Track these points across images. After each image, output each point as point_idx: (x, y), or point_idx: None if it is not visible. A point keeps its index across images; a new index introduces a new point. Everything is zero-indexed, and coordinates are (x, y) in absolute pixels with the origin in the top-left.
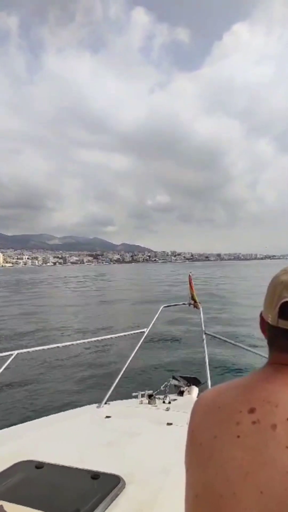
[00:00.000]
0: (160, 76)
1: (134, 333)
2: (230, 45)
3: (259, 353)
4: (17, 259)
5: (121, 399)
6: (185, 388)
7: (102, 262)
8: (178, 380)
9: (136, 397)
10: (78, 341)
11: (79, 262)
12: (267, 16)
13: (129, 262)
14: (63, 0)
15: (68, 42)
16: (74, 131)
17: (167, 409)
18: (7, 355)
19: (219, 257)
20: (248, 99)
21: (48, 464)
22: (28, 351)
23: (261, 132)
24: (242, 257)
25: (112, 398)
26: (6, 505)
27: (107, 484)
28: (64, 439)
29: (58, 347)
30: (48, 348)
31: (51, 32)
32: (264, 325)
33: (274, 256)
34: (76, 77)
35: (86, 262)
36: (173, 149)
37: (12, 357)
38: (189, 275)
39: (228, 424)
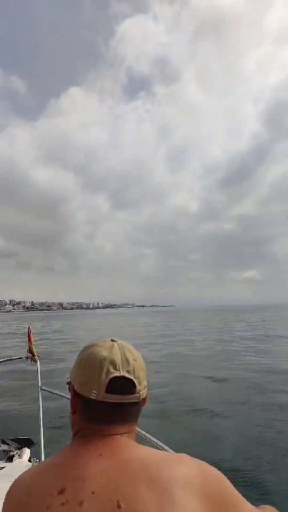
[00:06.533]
0: None
1: None
2: (67, 105)
3: None
4: None
5: None
6: (15, 451)
7: None
8: (8, 444)
9: None
10: None
11: None
12: (98, 85)
13: None
14: None
15: None
16: None
17: None
18: None
19: (61, 306)
20: (85, 156)
21: None
22: None
23: (97, 188)
24: (85, 306)
25: None
26: None
27: None
28: None
29: None
30: None
31: None
32: (77, 400)
33: (115, 304)
34: None
35: None
36: (10, 193)
37: None
38: (29, 327)
39: (38, 510)
